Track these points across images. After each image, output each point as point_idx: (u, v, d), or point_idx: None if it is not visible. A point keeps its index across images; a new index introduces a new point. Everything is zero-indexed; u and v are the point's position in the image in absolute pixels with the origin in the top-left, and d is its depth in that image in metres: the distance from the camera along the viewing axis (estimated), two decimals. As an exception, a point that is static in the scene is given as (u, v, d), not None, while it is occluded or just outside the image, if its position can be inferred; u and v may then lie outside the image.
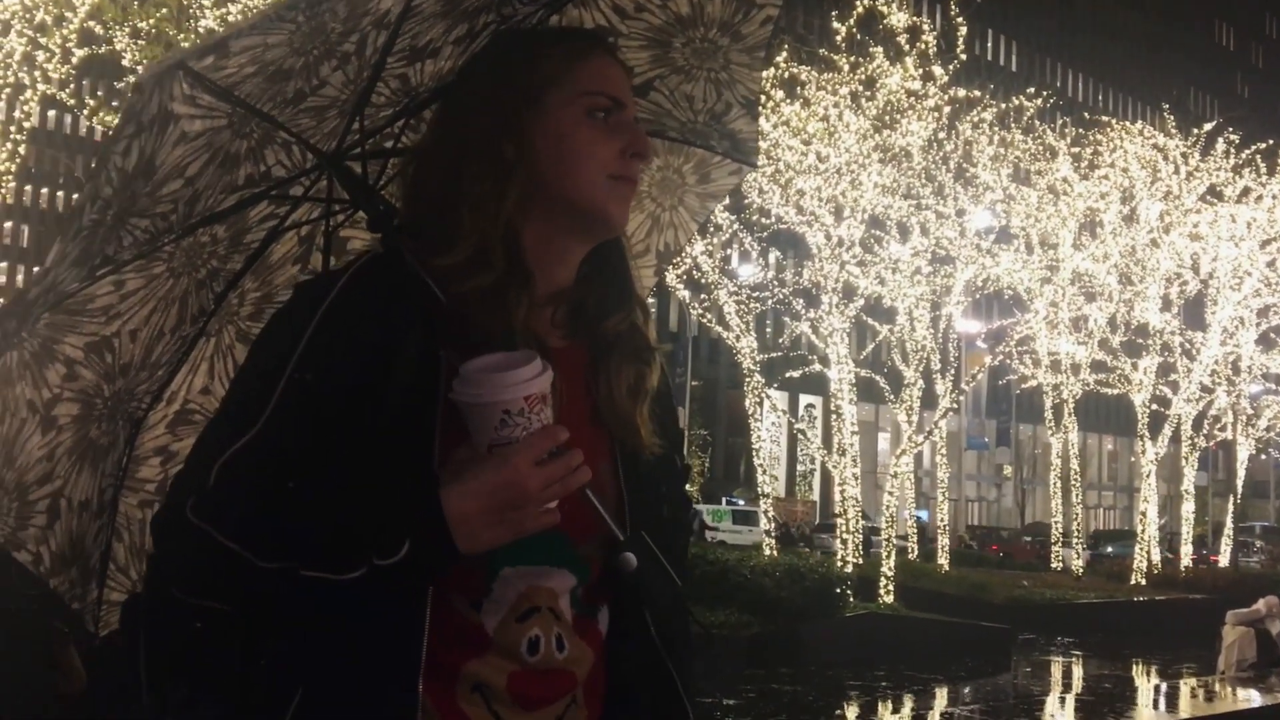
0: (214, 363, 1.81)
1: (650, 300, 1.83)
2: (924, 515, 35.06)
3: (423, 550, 1.27)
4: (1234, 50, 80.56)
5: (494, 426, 1.27)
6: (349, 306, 1.36)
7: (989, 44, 59.14)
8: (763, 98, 2.13)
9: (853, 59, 20.69)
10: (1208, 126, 29.72)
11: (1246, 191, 29.28)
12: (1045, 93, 26.58)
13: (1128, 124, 30.49)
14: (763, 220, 21.13)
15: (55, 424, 1.70)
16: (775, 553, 20.43)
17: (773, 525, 22.14)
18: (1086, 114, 36.28)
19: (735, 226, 20.99)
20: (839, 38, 20.87)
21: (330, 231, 1.76)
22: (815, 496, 42.71)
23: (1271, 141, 30.01)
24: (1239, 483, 34.57)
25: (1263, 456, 41.67)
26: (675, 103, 1.82)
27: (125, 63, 15.00)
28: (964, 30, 21.72)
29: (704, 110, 1.83)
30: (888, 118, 20.67)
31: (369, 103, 1.65)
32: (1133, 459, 50.15)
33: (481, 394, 1.27)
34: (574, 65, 1.45)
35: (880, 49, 20.68)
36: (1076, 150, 27.40)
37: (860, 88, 20.47)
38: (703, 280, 20.56)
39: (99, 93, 15.36)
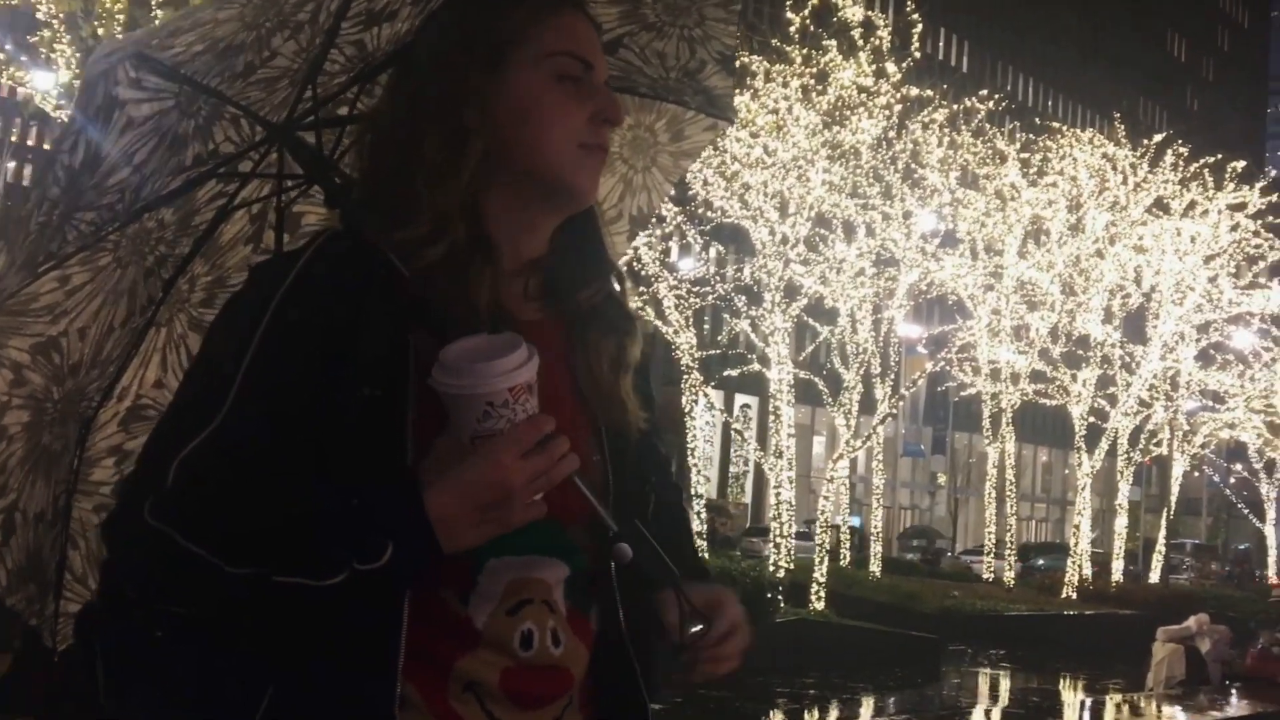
0: (166, 354, 1.74)
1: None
2: (857, 521, 35.43)
3: (405, 553, 1.23)
4: (1185, 63, 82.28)
5: (476, 418, 1.23)
6: (309, 288, 1.31)
7: (941, 43, 59.81)
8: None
9: (805, 51, 20.84)
10: (1157, 138, 30.37)
11: (1193, 205, 29.98)
12: (996, 96, 26.97)
13: (1078, 132, 31.06)
14: (707, 213, 21.20)
15: (5, 434, 1.63)
16: (706, 555, 20.54)
17: (705, 528, 22.26)
18: (1037, 119, 36.89)
19: (679, 218, 21.04)
20: (792, 29, 21.01)
21: (283, 208, 1.71)
22: (748, 499, 42.98)
23: (1219, 156, 30.77)
24: (1173, 499, 35.42)
25: (1196, 474, 42.70)
26: (646, 60, 1.76)
27: (40, 15, 14.64)
28: (919, 27, 21.97)
29: (676, 67, 1.78)
30: (838, 114, 20.84)
31: (322, 70, 1.60)
32: (1066, 471, 51.10)
33: (464, 384, 1.23)
34: (540, 24, 1.39)
35: (834, 42, 20.84)
36: (1025, 156, 27.85)
37: (812, 81, 20.62)
38: (643, 272, 20.59)
39: (7, 47, 14.91)
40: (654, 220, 19.85)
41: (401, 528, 1.23)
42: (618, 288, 1.47)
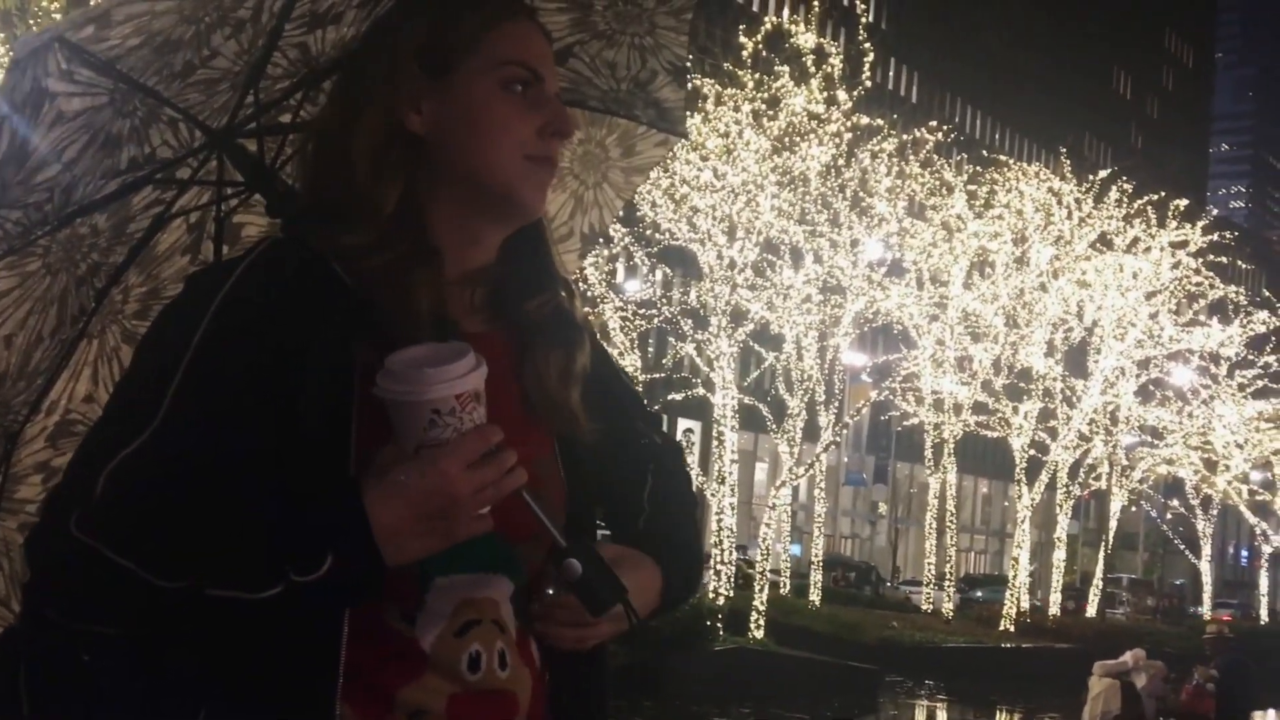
0: (98, 367, 1.69)
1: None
2: (797, 550, 35.58)
3: (346, 564, 1.19)
4: (1130, 100, 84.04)
5: (422, 427, 1.20)
6: (248, 296, 1.28)
7: (891, 73, 60.63)
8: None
9: (757, 76, 21.01)
10: (1102, 174, 30.96)
11: (1135, 241, 30.56)
12: (945, 127, 27.36)
13: (1024, 165, 31.58)
14: (656, 235, 21.27)
15: None
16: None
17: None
18: (984, 152, 37.49)
19: (626, 240, 21.09)
20: (744, 53, 21.18)
21: (222, 218, 1.67)
22: (688, 524, 42.96)
23: (1163, 194, 31.41)
24: (1110, 533, 35.94)
25: (1133, 509, 43.35)
26: (596, 70, 1.74)
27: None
28: (870, 56, 22.25)
29: (627, 78, 1.76)
30: (788, 139, 21.02)
31: (264, 74, 1.57)
32: (1006, 503, 51.68)
33: (409, 391, 1.20)
34: (489, 31, 1.36)
35: (786, 68, 21.04)
36: (972, 188, 28.26)
37: (763, 106, 20.79)
38: (589, 293, 20.58)
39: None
40: (601, 240, 19.94)
41: (341, 538, 1.19)
42: (567, 299, 1.45)
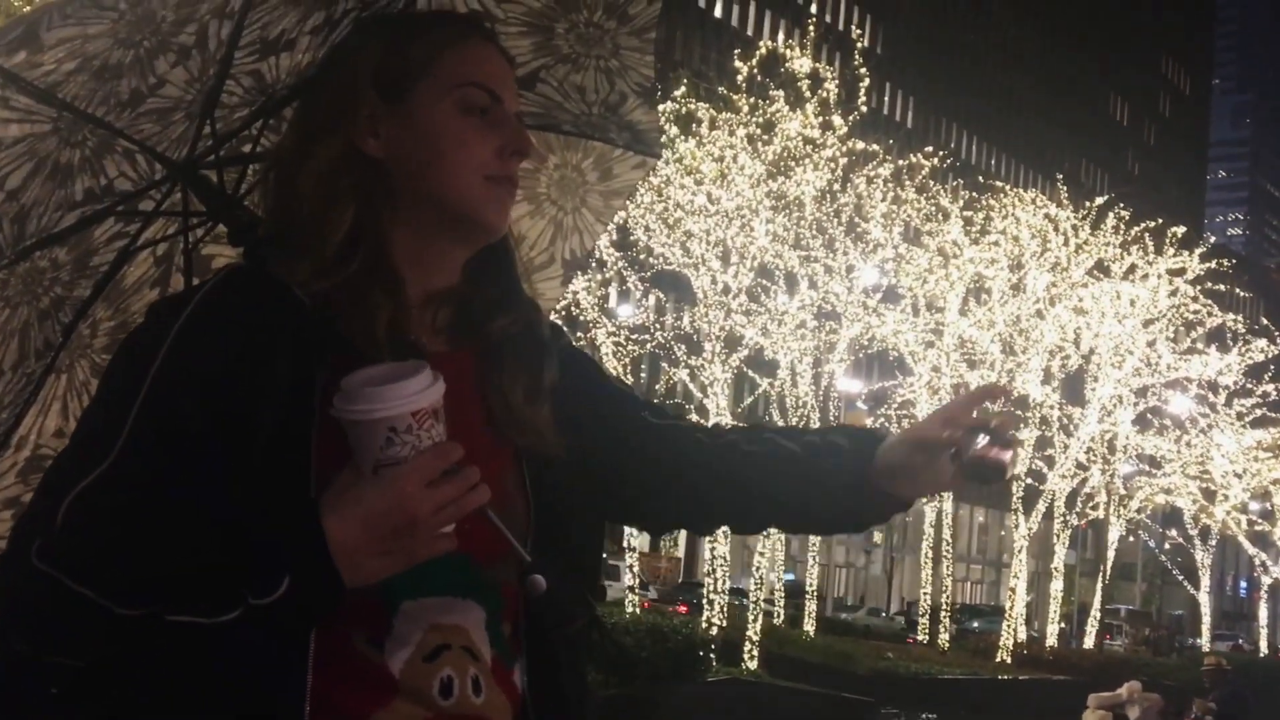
0: (67, 401, 1.69)
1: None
2: (791, 578, 35.48)
3: (304, 585, 1.20)
4: (1127, 127, 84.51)
5: (379, 445, 1.21)
6: (207, 323, 1.30)
7: (886, 98, 60.97)
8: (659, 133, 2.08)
9: (752, 100, 21.11)
10: (1099, 200, 31.09)
11: (1133, 269, 30.67)
12: (941, 153, 27.48)
13: (1020, 191, 31.71)
14: (649, 260, 21.31)
15: None
16: (639, 609, 20.44)
17: (638, 581, 22.16)
18: (980, 178, 37.66)
19: (619, 264, 21.12)
20: (739, 77, 21.29)
21: (190, 249, 1.68)
22: (680, 553, 42.92)
23: (1160, 221, 31.54)
24: (1108, 563, 35.91)
25: (1131, 539, 43.36)
26: (565, 94, 1.76)
27: None
28: (866, 81, 22.37)
29: (597, 102, 1.77)
30: (783, 164, 21.10)
31: (220, 103, 1.58)
32: (1003, 533, 51.66)
33: (364, 409, 1.21)
34: (446, 53, 1.39)
35: (781, 93, 21.14)
36: (968, 214, 28.36)
37: (758, 130, 20.87)
38: (581, 318, 20.60)
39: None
40: (594, 265, 19.99)
41: (298, 558, 1.20)
42: (534, 318, 1.47)
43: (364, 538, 1.21)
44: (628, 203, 1.97)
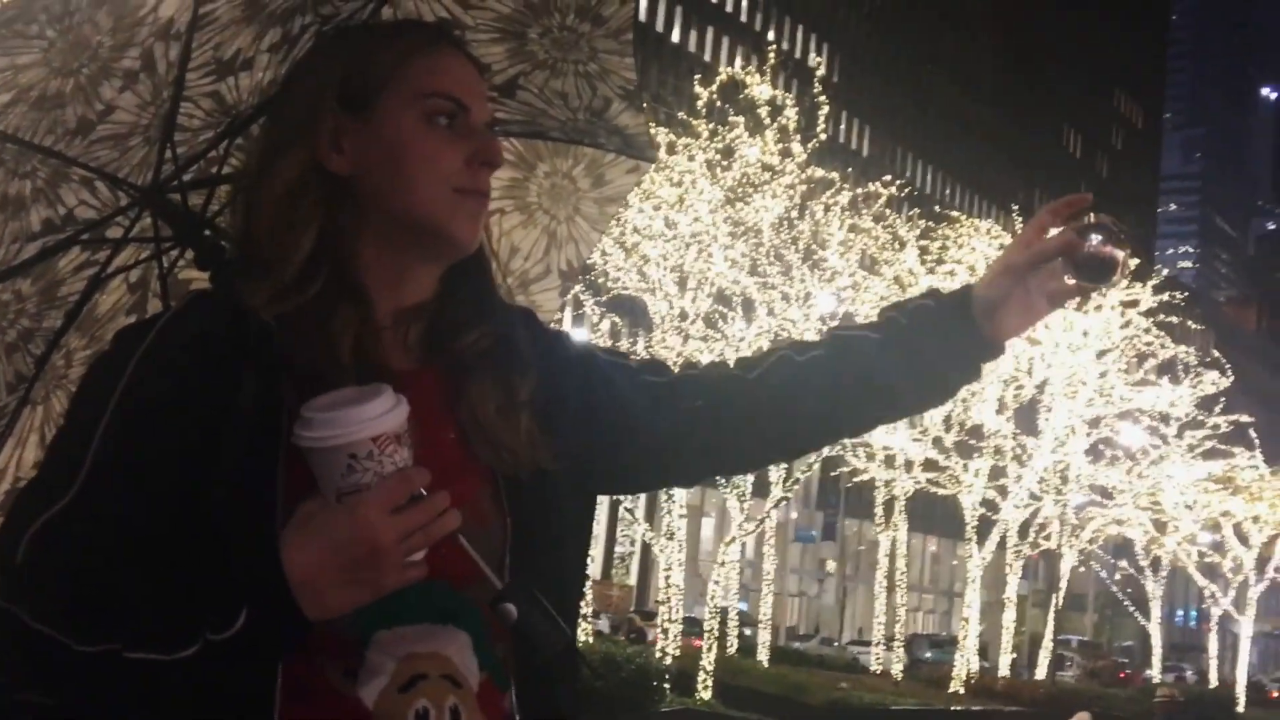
0: (44, 433, 1.67)
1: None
2: (744, 607, 35.47)
3: (262, 619, 1.17)
4: (1080, 159, 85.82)
5: (339, 473, 1.19)
6: (170, 350, 1.28)
7: (843, 126, 61.52)
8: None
9: (712, 126, 21.21)
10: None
11: (1086, 299, 31.03)
12: (898, 181, 27.74)
13: (976, 221, 32.06)
14: (606, 284, 21.30)
15: None
16: (591, 639, 20.33)
17: (590, 610, 22.05)
18: (937, 207, 38.04)
19: (575, 288, 21.07)
20: (699, 103, 21.39)
21: (166, 274, 1.66)
22: (633, 581, 42.80)
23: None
24: (1060, 594, 36.19)
25: (1082, 569, 43.75)
26: (548, 101, 1.73)
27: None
28: (826, 109, 22.56)
29: (581, 107, 1.75)
30: (742, 190, 21.21)
31: (180, 126, 1.56)
32: (955, 562, 51.95)
33: (320, 436, 1.19)
34: (409, 63, 1.36)
35: (741, 119, 21.27)
36: (924, 243, 28.62)
37: (717, 156, 20.98)
38: (536, 342, 20.51)
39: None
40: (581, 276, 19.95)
41: (255, 591, 1.18)
42: (510, 329, 1.43)
43: (326, 568, 1.19)
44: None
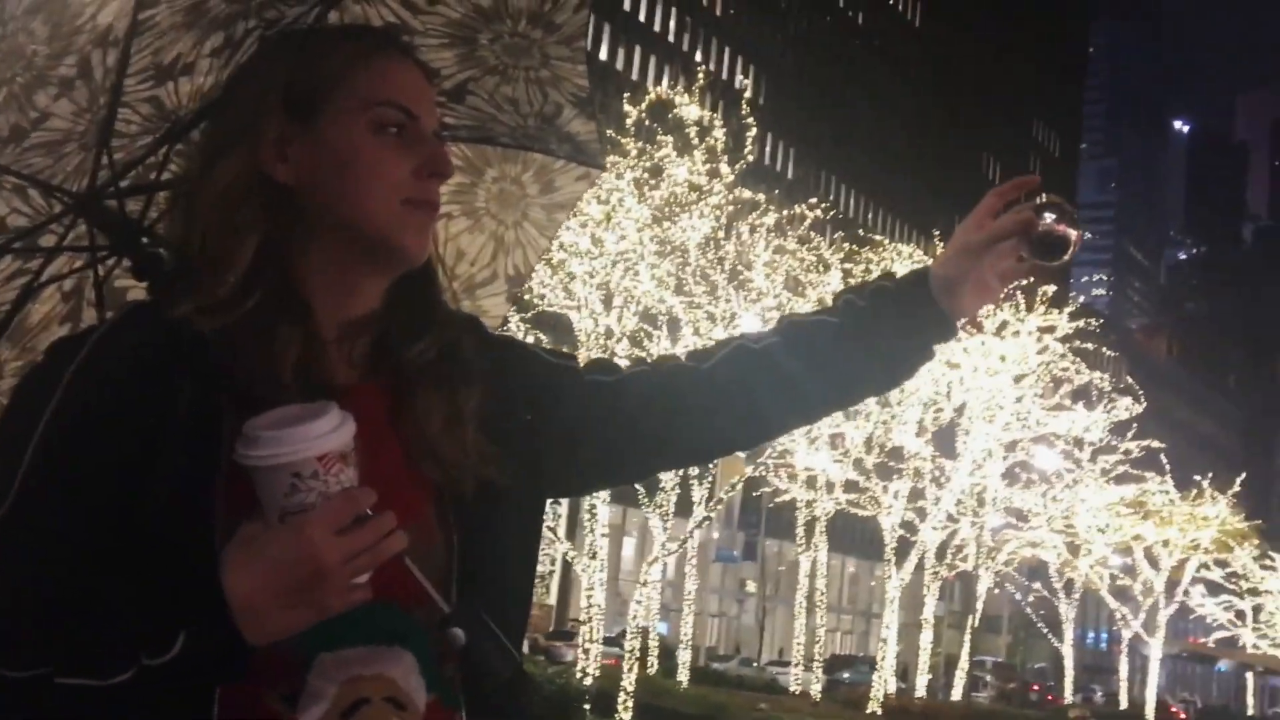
0: None
1: None
2: (664, 628, 35.48)
3: (200, 644, 1.14)
4: (998, 186, 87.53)
5: (283, 492, 1.16)
6: (104, 364, 1.24)
7: (768, 148, 62.10)
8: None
9: (640, 145, 21.30)
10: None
11: (1004, 325, 31.62)
12: (824, 204, 28.05)
13: (899, 246, 32.52)
14: (530, 300, 21.25)
15: None
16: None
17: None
18: (860, 231, 38.50)
19: (501, 304, 20.99)
20: (629, 121, 21.48)
21: (101, 283, 1.61)
22: (553, 600, 42.61)
23: (1031, 279, 32.56)
24: (977, 615, 36.69)
25: (997, 591, 44.43)
26: (498, 106, 1.72)
27: None
28: (754, 130, 22.76)
29: (532, 114, 1.73)
30: (669, 209, 21.31)
31: (118, 132, 1.53)
32: (872, 583, 52.47)
33: (263, 455, 1.16)
34: (356, 70, 1.33)
35: (670, 138, 21.38)
36: (848, 266, 28.95)
37: (645, 175, 21.06)
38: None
39: None
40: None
41: (194, 615, 1.14)
42: (456, 340, 1.39)
43: (267, 591, 1.15)
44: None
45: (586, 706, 18.04)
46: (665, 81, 35.15)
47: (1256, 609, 49.70)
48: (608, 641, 25.28)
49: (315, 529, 1.15)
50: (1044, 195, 1.47)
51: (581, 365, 1.53)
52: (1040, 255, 1.45)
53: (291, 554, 1.15)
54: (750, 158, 22.72)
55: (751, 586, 52.73)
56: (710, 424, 1.52)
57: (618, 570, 43.60)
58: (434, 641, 1.27)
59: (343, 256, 1.33)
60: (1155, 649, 45.13)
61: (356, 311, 1.35)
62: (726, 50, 61.24)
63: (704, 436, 1.55)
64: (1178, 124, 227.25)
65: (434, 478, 1.32)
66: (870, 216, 71.09)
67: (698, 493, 23.94)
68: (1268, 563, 47.92)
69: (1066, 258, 1.46)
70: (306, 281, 1.32)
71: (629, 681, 20.14)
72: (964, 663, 36.22)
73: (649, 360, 1.59)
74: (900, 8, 75.86)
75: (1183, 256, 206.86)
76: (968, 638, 36.45)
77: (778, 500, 32.74)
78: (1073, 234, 1.44)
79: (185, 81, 1.52)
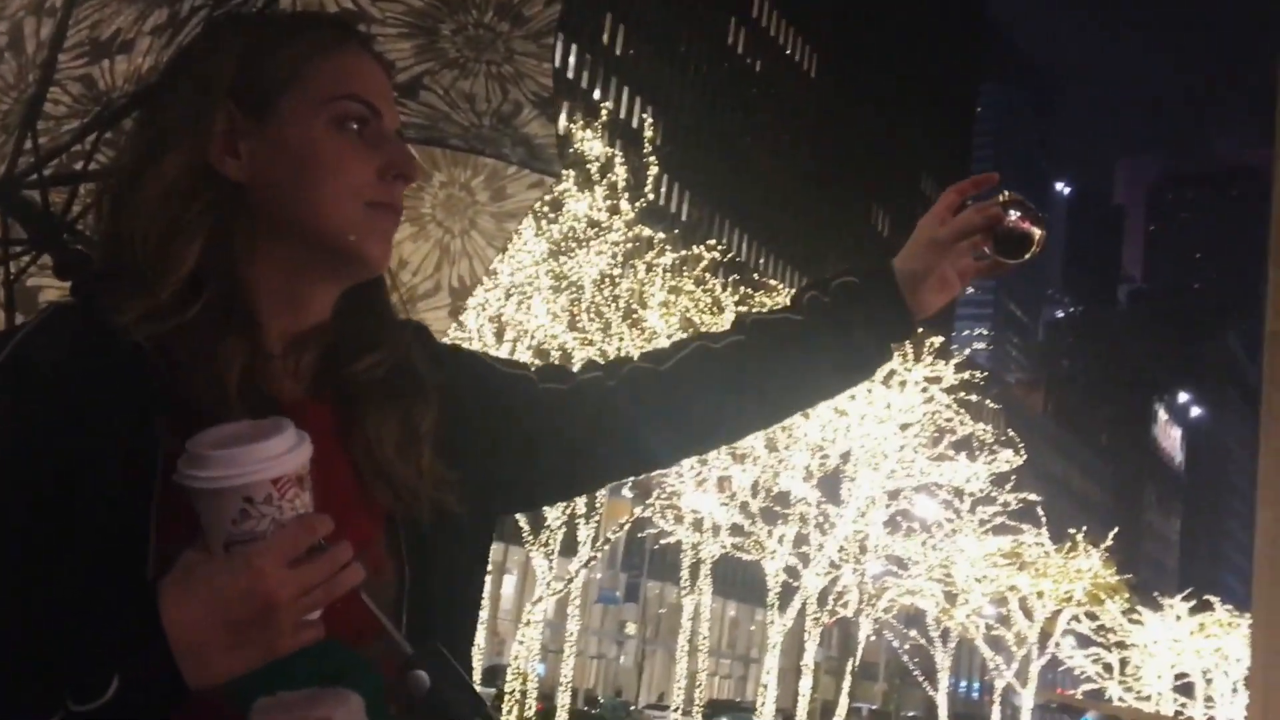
0: None
1: None
2: (542, 670, 35.11)
3: (136, 687, 1.02)
4: (887, 238, 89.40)
5: (231, 518, 1.05)
6: (24, 373, 1.13)
7: (664, 189, 62.66)
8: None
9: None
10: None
11: (891, 374, 32.18)
12: (720, 246, 28.30)
13: (791, 291, 32.90)
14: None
15: None
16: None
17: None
18: (756, 275, 38.92)
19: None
20: (528, 154, 21.46)
21: (12, 281, 1.50)
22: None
23: (920, 330, 33.24)
24: (855, 661, 37.05)
25: (874, 638, 44.98)
26: (453, 104, 1.63)
27: None
28: (654, 170, 22.88)
29: (489, 112, 1.65)
30: (566, 244, 21.29)
31: (44, 114, 1.41)
32: (753, 627, 52.74)
33: (214, 477, 1.05)
34: (315, 62, 1.24)
35: (571, 173, 21.39)
36: (742, 309, 29.21)
37: (545, 208, 21.01)
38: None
39: None
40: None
41: (130, 655, 1.03)
42: (406, 354, 1.29)
43: (212, 629, 1.04)
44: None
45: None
46: (564, 117, 35.27)
47: (1124, 661, 51.10)
48: (483, 680, 24.89)
49: (266, 560, 1.05)
50: (1005, 193, 1.47)
51: (534, 373, 1.46)
52: (1004, 252, 1.45)
53: (240, 587, 1.04)
54: (650, 196, 22.81)
55: (632, 629, 52.57)
56: (670, 427, 1.47)
57: (497, 609, 43.09)
58: (389, 683, 1.15)
59: (295, 262, 1.23)
60: (1027, 699, 46.10)
61: (307, 322, 1.25)
62: (626, 91, 61.72)
63: (665, 440, 1.49)
64: (1059, 185, 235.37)
65: (384, 503, 1.22)
66: (762, 260, 72.09)
67: (584, 532, 23.78)
68: (1135, 616, 49.36)
69: (1029, 256, 1.45)
70: (253, 288, 1.22)
71: (508, 724, 19.85)
72: (841, 709, 36.49)
73: (601, 363, 1.51)
74: (797, 58, 77.42)
75: (1060, 315, 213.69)
76: (846, 684, 36.74)
77: (663, 542, 32.76)
78: (1036, 232, 1.44)
79: (122, 60, 1.41)
